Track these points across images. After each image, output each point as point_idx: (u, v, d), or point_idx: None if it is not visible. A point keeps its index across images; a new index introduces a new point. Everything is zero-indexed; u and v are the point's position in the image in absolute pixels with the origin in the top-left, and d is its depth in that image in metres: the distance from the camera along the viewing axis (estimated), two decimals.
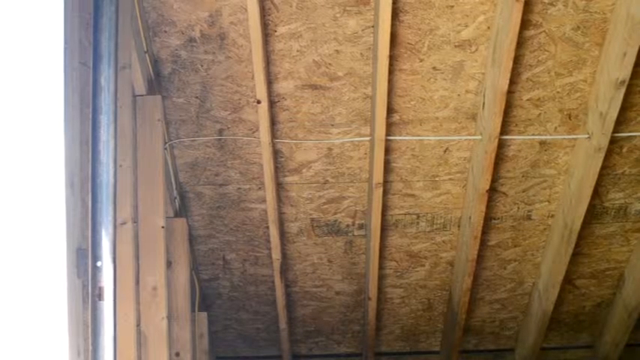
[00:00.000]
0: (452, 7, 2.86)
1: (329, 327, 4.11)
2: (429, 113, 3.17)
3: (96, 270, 2.05)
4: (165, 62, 2.99)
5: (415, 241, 3.67)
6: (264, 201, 3.43)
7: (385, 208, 3.49)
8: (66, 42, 1.98)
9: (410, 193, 3.47)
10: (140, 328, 2.71)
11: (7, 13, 1.83)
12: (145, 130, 2.87)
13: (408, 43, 2.96)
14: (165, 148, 3.12)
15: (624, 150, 3.30)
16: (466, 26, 2.92)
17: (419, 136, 3.24)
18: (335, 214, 3.56)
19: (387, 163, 3.30)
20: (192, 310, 3.44)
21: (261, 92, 3.01)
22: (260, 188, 3.41)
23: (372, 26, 2.89)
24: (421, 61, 3.02)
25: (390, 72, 2.96)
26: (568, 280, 3.79)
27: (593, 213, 3.51)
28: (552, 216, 3.55)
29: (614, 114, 3.03)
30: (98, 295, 2.04)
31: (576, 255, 3.65)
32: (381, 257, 3.69)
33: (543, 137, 3.25)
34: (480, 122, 3.17)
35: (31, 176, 1.85)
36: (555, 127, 3.22)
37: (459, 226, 3.60)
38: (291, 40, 2.93)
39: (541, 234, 3.63)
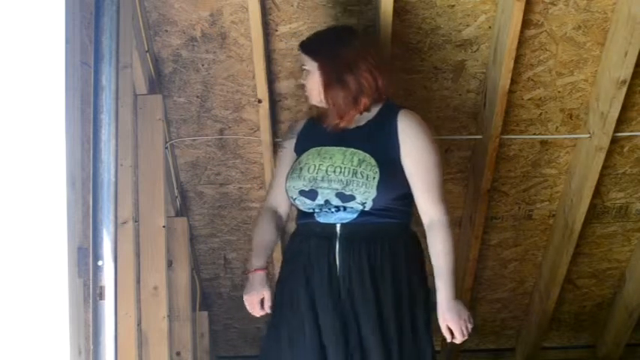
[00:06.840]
0: (453, 6, 2.85)
1: None
2: (431, 113, 3.16)
3: (97, 269, 2.05)
4: (166, 61, 2.99)
5: None
6: (265, 200, 3.42)
7: None
8: (67, 41, 1.97)
9: None
10: (141, 328, 2.72)
11: (8, 12, 1.83)
12: (146, 129, 2.87)
13: (410, 43, 2.96)
14: (166, 148, 3.12)
15: (625, 150, 3.29)
16: (467, 26, 2.92)
17: None
18: None
19: None
20: (193, 310, 3.45)
21: (262, 91, 3.01)
22: (261, 188, 3.40)
23: (373, 25, 2.89)
24: (422, 60, 3.01)
25: (392, 71, 2.95)
26: (569, 280, 3.79)
27: (594, 213, 3.50)
28: (553, 215, 3.54)
29: (615, 113, 3.03)
30: (99, 295, 2.04)
31: (577, 255, 3.64)
32: None
33: (544, 137, 3.25)
34: (481, 122, 3.17)
35: (32, 175, 1.85)
36: (556, 127, 3.22)
37: (459, 226, 3.60)
38: (292, 40, 2.92)
39: (542, 233, 3.63)
